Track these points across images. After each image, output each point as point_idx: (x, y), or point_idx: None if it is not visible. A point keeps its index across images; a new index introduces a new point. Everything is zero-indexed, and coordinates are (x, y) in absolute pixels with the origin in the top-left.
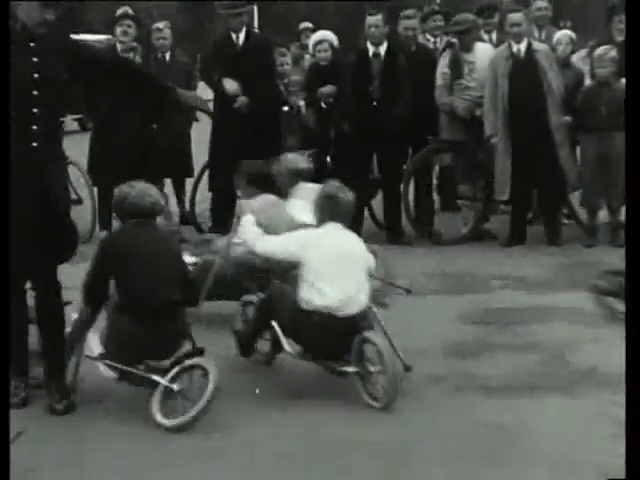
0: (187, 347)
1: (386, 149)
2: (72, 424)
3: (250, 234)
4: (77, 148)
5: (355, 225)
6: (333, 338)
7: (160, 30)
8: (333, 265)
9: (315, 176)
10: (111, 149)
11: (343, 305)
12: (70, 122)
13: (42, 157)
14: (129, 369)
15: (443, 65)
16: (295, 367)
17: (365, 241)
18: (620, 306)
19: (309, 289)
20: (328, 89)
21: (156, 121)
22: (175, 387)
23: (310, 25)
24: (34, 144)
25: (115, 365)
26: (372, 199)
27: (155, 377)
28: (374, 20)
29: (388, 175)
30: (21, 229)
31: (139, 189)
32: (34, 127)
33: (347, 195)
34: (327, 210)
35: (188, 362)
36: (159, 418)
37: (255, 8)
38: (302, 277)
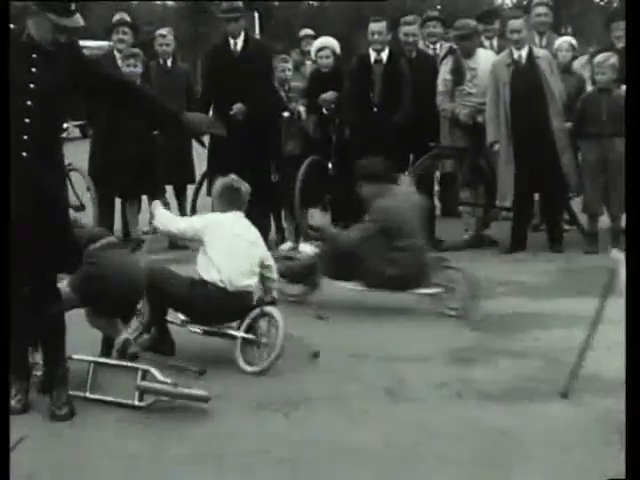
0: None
1: (387, 155)
2: (73, 430)
3: (165, 219)
4: (79, 154)
5: None
6: (222, 308)
7: (164, 36)
8: (230, 245)
9: (316, 182)
10: (112, 156)
11: (234, 281)
12: (72, 129)
13: (33, 166)
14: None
15: (445, 71)
16: (296, 372)
17: None
18: (289, 288)
19: (207, 262)
20: (329, 95)
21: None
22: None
23: (311, 32)
24: (24, 154)
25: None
26: None
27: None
28: (377, 27)
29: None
30: (17, 236)
31: None
32: (25, 137)
33: (245, 186)
34: (229, 200)
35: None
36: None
37: (256, 15)
38: (203, 251)
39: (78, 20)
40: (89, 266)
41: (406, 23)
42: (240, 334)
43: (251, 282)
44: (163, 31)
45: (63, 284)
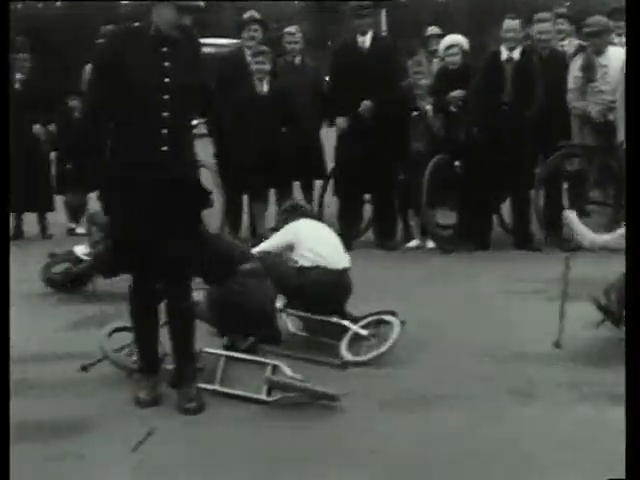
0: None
1: (516, 154)
2: (202, 424)
3: (259, 246)
4: (207, 151)
5: (483, 231)
6: (331, 288)
7: (292, 34)
8: (318, 235)
9: (443, 181)
10: (240, 152)
11: (335, 259)
12: (200, 125)
13: (173, 160)
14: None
15: (575, 69)
16: (422, 371)
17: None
18: None
19: (305, 255)
20: (457, 93)
21: (285, 124)
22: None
23: (438, 30)
24: (164, 148)
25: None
26: (501, 204)
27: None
28: (512, 24)
29: (518, 180)
30: (150, 230)
31: None
32: (164, 131)
33: (306, 205)
34: (298, 214)
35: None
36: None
37: (383, 13)
38: (297, 251)
39: (199, 2)
40: (233, 292)
41: (540, 20)
42: (354, 327)
43: (348, 259)
44: (291, 29)
45: (199, 294)
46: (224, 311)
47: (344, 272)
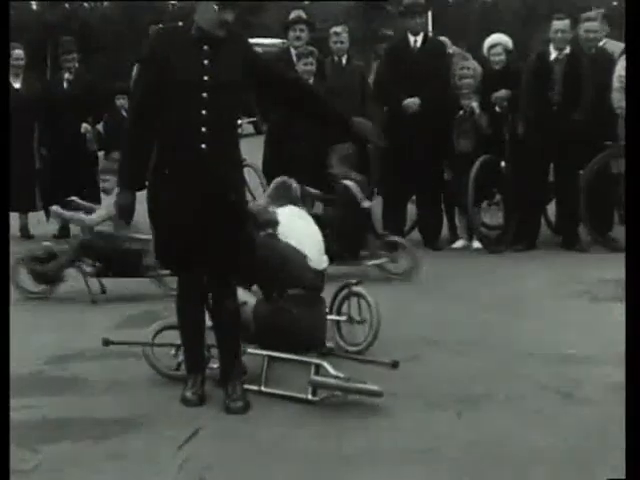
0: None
1: (564, 154)
2: (248, 423)
3: None
4: (253, 151)
5: (531, 230)
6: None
7: (338, 34)
8: (297, 235)
9: (489, 181)
10: (285, 152)
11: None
12: (245, 125)
13: (212, 159)
14: None
15: (621, 68)
16: (468, 372)
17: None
18: None
19: None
20: (503, 93)
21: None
22: (332, 372)
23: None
24: (202, 146)
25: None
26: (547, 204)
27: (316, 361)
28: (561, 25)
29: (564, 180)
30: (193, 230)
31: None
32: (203, 129)
33: (294, 184)
34: (283, 196)
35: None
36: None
37: (429, 12)
38: None
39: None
40: (285, 312)
41: (588, 19)
42: (334, 317)
43: (326, 262)
44: (337, 28)
45: (249, 307)
46: (269, 332)
47: (320, 274)
